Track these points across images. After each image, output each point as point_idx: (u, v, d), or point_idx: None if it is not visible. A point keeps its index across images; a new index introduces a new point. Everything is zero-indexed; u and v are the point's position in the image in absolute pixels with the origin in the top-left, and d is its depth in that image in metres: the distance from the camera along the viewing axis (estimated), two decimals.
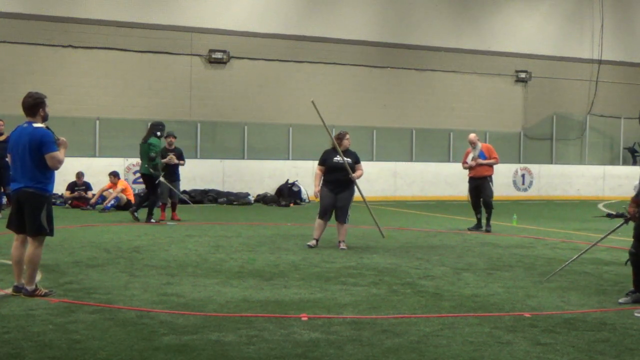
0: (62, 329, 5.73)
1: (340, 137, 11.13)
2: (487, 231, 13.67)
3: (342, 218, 10.92)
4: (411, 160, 24.96)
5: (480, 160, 13.78)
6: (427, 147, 25.41)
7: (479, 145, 14.03)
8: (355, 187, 11.15)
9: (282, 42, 23.76)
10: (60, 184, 17.37)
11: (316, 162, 11.47)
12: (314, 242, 10.89)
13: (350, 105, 24.48)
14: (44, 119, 7.09)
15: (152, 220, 14.43)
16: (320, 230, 10.96)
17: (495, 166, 14.12)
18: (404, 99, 25.41)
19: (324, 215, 10.93)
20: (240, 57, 23.28)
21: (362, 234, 12.62)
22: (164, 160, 15.37)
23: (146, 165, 14.57)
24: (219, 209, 19.33)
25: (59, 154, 6.96)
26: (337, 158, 10.91)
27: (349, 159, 10.98)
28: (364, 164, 24.79)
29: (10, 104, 18.06)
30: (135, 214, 14.95)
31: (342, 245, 10.80)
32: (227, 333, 5.70)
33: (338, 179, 10.91)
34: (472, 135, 14.19)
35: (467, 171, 14.13)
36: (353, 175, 10.93)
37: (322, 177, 11.07)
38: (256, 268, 8.90)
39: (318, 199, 11.12)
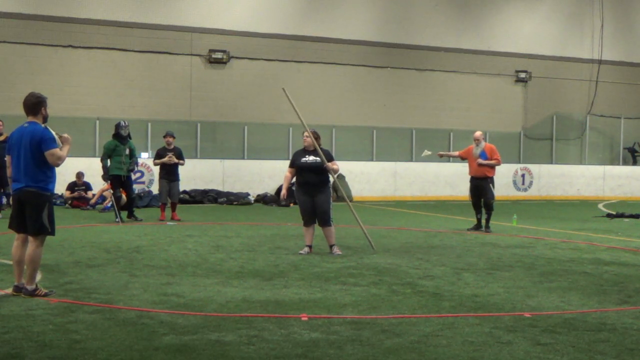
0: (62, 329, 5.73)
1: (305, 136, 10.50)
2: (487, 232, 13.66)
3: (325, 222, 10.28)
4: (411, 160, 24.96)
5: (481, 161, 13.77)
6: (427, 147, 25.29)
7: (483, 144, 14.01)
8: (334, 186, 10.54)
9: (282, 42, 23.76)
10: (60, 184, 17.36)
11: None
12: (306, 249, 10.32)
13: (350, 105, 24.49)
14: (45, 119, 7.12)
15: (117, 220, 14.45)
16: (309, 236, 10.41)
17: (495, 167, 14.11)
18: (404, 99, 25.41)
19: (308, 221, 10.37)
20: (240, 57, 23.28)
21: (362, 234, 12.60)
22: (163, 160, 15.38)
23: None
24: (219, 209, 19.33)
25: (59, 151, 6.98)
26: (306, 158, 10.34)
27: (317, 158, 10.29)
28: (364, 164, 24.82)
29: (10, 104, 18.09)
30: (134, 216, 15.00)
31: (336, 250, 10.23)
32: (227, 333, 5.70)
33: (309, 181, 10.26)
34: (477, 133, 14.19)
35: (467, 171, 14.15)
36: (328, 165, 10.22)
37: (294, 180, 10.48)
38: (256, 268, 8.89)
39: (284, 202, 10.53)
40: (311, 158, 10.34)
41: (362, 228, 10.76)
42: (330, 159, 10.38)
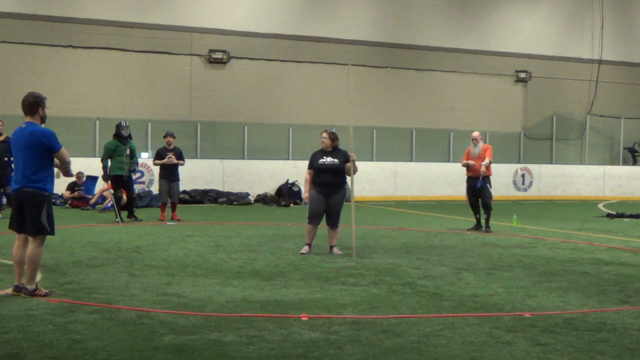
0: (62, 329, 5.73)
1: (323, 137, 10.48)
2: (487, 232, 13.66)
3: (334, 223, 10.32)
4: (411, 160, 24.97)
5: (486, 162, 13.64)
6: (427, 147, 25.43)
7: (481, 144, 14.01)
8: (348, 185, 10.58)
9: (282, 42, 23.77)
10: (60, 184, 17.37)
11: None
12: (306, 248, 10.31)
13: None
14: (43, 119, 7.11)
15: (117, 220, 14.33)
16: (312, 235, 10.40)
17: (495, 166, 14.08)
18: (404, 99, 25.42)
19: (315, 219, 10.34)
20: (240, 57, 23.29)
21: (362, 234, 12.61)
22: (163, 161, 15.37)
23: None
24: (219, 209, 19.33)
25: (65, 150, 7.05)
26: (324, 159, 10.34)
27: (336, 160, 10.31)
28: (364, 164, 24.78)
29: (10, 104, 18.09)
30: (134, 216, 15.00)
31: (336, 251, 10.25)
32: (227, 333, 5.70)
33: (326, 182, 10.26)
34: (475, 133, 14.17)
35: (466, 170, 14.12)
36: (352, 154, 10.21)
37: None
38: (256, 268, 8.89)
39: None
40: (329, 159, 10.34)
41: (353, 233, 10.48)
42: (347, 160, 10.33)
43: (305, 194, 10.60)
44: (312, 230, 10.39)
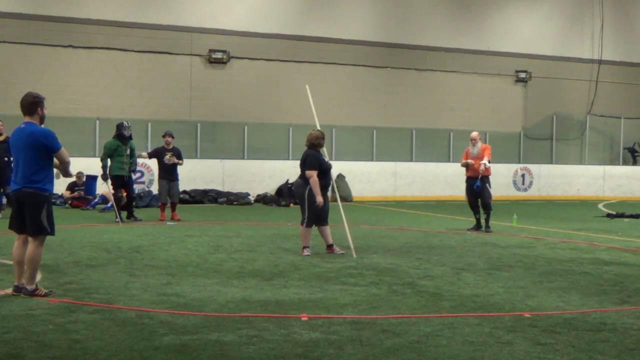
0: (62, 329, 5.73)
1: (323, 137, 10.57)
2: (487, 232, 13.66)
3: (326, 220, 10.34)
4: (411, 160, 24.97)
5: (487, 164, 13.63)
6: (427, 147, 25.42)
7: (479, 144, 14.02)
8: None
9: (282, 42, 23.76)
10: (60, 184, 17.38)
11: None
12: (309, 250, 10.19)
13: (350, 105, 24.49)
14: (42, 119, 7.10)
15: (117, 220, 14.30)
16: (310, 237, 10.32)
17: (495, 166, 14.08)
18: (404, 99, 25.42)
19: (312, 223, 10.23)
20: (240, 57, 23.29)
21: (362, 234, 12.61)
22: (165, 158, 15.37)
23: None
24: (219, 209, 19.33)
25: (64, 150, 7.06)
26: (327, 159, 10.47)
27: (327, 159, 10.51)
28: (364, 164, 24.80)
29: (10, 104, 18.03)
30: (134, 216, 14.99)
31: (338, 250, 10.25)
32: (227, 333, 5.70)
33: (328, 183, 10.45)
34: (474, 133, 14.19)
35: (465, 171, 14.12)
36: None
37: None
38: (256, 268, 8.89)
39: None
40: (327, 159, 10.47)
41: (348, 232, 10.51)
42: None
43: (320, 197, 10.03)
44: (310, 232, 10.35)
